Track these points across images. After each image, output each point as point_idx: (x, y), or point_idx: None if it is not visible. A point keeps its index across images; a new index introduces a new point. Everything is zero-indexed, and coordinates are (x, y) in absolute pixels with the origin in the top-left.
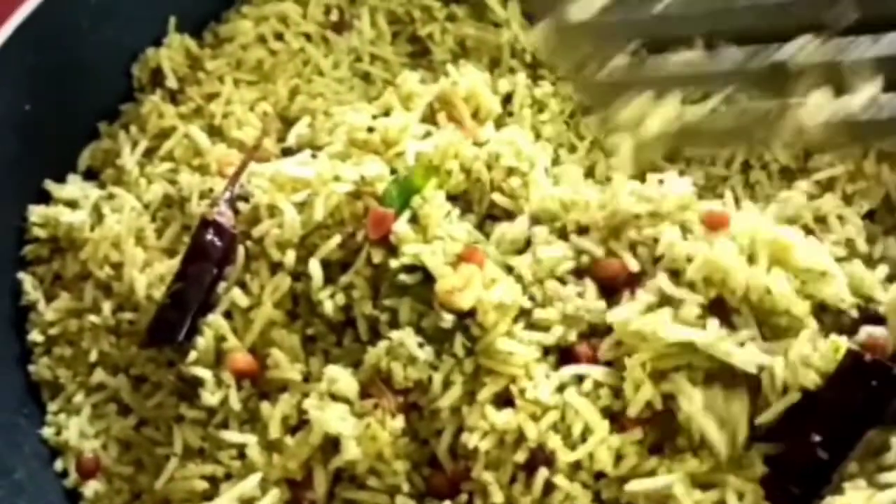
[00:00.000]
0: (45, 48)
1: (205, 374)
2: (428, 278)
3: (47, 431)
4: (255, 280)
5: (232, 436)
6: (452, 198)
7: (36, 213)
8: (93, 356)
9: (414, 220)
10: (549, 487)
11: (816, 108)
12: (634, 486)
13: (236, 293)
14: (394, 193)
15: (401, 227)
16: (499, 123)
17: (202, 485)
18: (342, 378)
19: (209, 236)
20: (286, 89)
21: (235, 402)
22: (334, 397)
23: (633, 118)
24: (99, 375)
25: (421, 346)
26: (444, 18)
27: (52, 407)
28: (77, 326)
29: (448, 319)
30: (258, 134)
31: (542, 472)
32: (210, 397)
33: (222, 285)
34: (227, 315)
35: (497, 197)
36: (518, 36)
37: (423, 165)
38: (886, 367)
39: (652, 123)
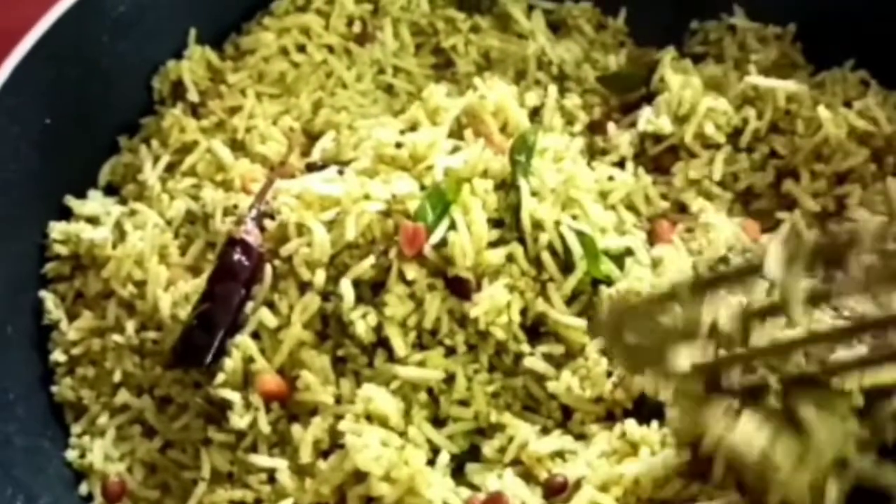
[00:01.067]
0: (65, 61)
1: (233, 396)
2: None
3: (71, 454)
4: (284, 300)
5: (262, 460)
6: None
7: (57, 229)
8: (117, 376)
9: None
10: None
11: None
12: None
13: (264, 313)
14: (427, 207)
15: (436, 239)
16: None
17: None
18: (378, 397)
19: (236, 256)
20: (309, 102)
21: (265, 425)
22: (370, 419)
23: None
24: (123, 396)
25: None
26: (468, 30)
27: (75, 429)
28: (100, 346)
29: None
30: (282, 149)
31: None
32: (238, 420)
33: (250, 305)
34: (255, 336)
35: None
36: (544, 48)
37: (454, 178)
38: None
39: None
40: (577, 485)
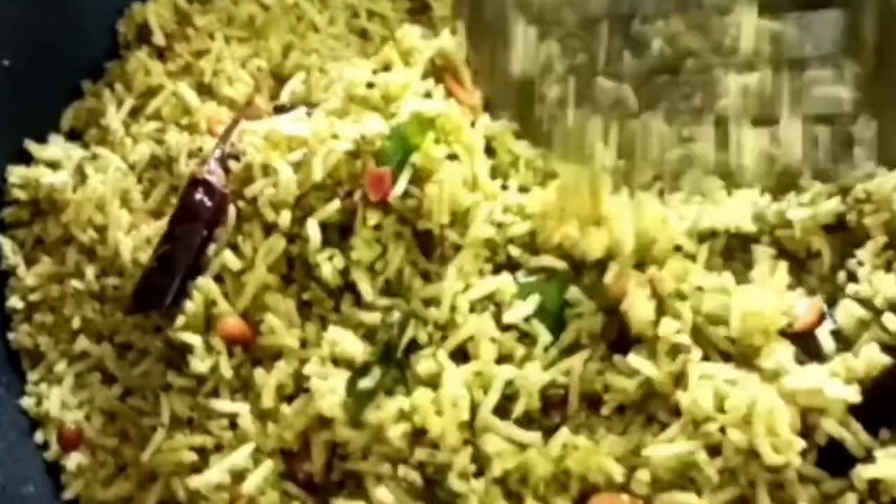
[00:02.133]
0: (28, 3)
1: (194, 339)
2: None
3: (27, 402)
4: (248, 242)
5: (223, 405)
6: None
7: (15, 173)
8: (76, 323)
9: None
10: None
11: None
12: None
13: (227, 255)
14: (389, 151)
15: (400, 191)
16: None
17: (191, 456)
18: (345, 340)
19: (199, 196)
20: (279, 46)
21: (226, 370)
22: (336, 362)
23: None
24: (82, 343)
25: None
26: None
27: (32, 376)
28: (59, 292)
29: None
30: (250, 91)
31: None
32: (199, 364)
33: (212, 247)
34: (218, 279)
35: None
36: None
37: (419, 120)
38: None
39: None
40: None
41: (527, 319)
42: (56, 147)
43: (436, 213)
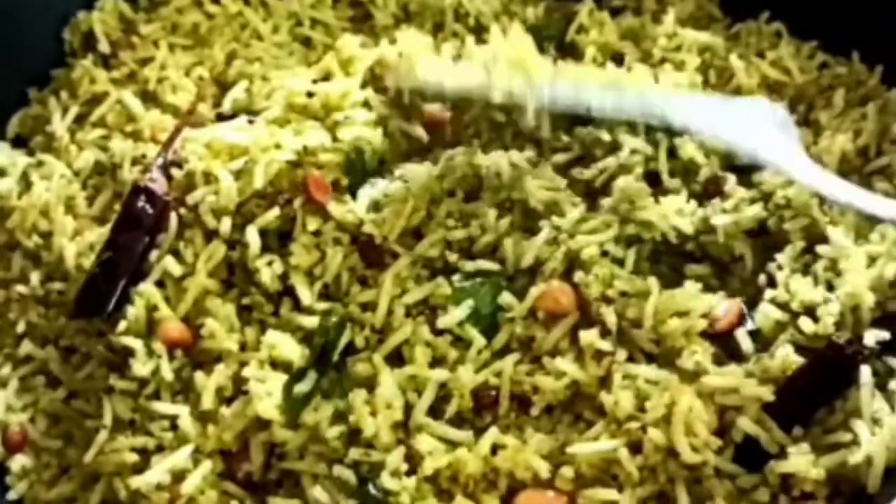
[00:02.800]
0: None
1: (135, 343)
2: None
3: None
4: (189, 248)
5: (164, 407)
6: None
7: None
8: (20, 327)
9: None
10: None
11: None
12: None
13: (169, 261)
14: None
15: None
16: None
17: (132, 457)
18: (283, 343)
19: (141, 203)
20: (223, 54)
21: (167, 373)
22: (275, 365)
23: None
24: (27, 347)
25: None
26: None
27: None
28: (4, 297)
29: None
30: (193, 99)
31: None
32: (141, 367)
33: (154, 254)
34: (160, 284)
35: None
36: (462, 0)
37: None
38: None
39: None
40: None
41: (460, 324)
42: (1, 154)
43: (389, 231)
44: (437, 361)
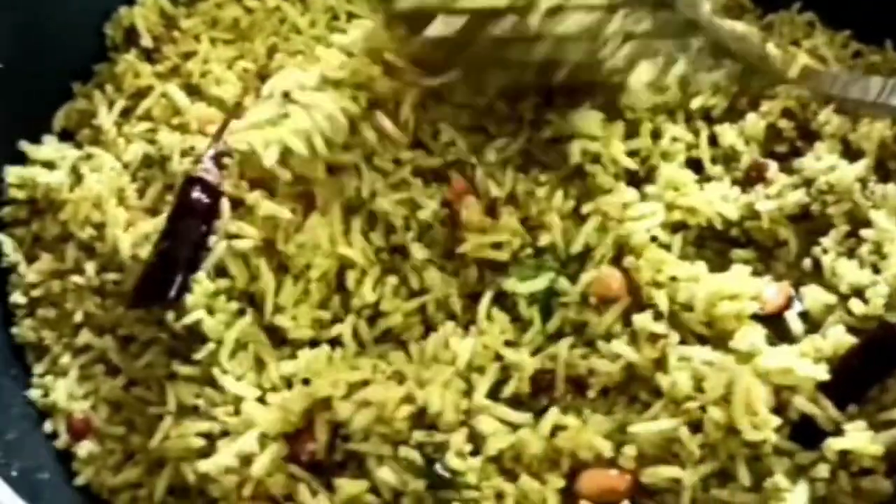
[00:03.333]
0: (19, 8)
1: (201, 315)
2: None
3: (34, 393)
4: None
5: (230, 385)
6: None
7: (12, 173)
8: (77, 317)
9: None
10: None
11: None
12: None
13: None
14: None
15: None
16: None
17: (198, 442)
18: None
19: (196, 193)
20: (264, 47)
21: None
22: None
23: None
24: (85, 336)
25: None
26: None
27: (37, 369)
28: (60, 287)
29: None
30: (237, 91)
31: None
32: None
33: (212, 239)
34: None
35: None
36: None
37: None
38: None
39: None
40: None
41: (527, 303)
42: (50, 147)
43: None
44: None
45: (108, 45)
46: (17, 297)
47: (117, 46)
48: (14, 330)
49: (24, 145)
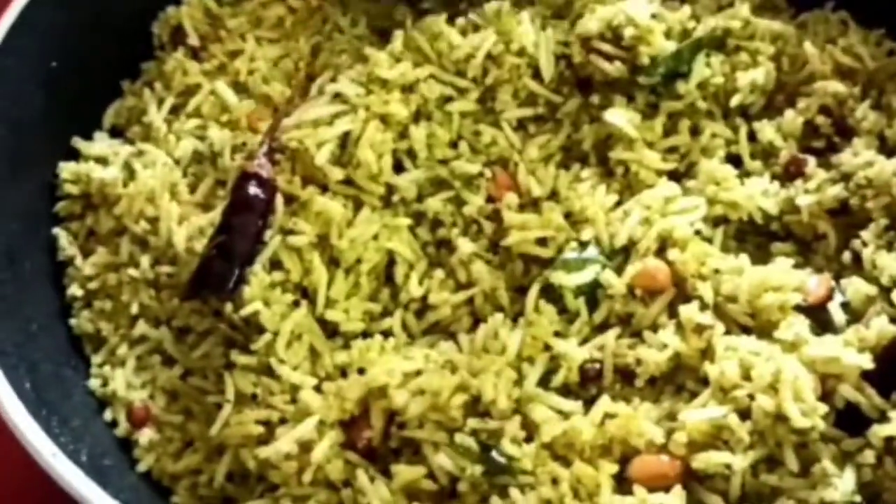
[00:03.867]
0: (70, 6)
1: (258, 307)
2: None
3: (93, 383)
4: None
5: (287, 374)
6: None
7: (67, 169)
8: (133, 309)
9: None
10: None
11: None
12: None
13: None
14: None
15: None
16: None
17: (258, 429)
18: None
19: (252, 189)
20: (309, 46)
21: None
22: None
23: None
24: (141, 328)
25: None
26: None
27: (96, 359)
28: (116, 280)
29: None
30: (285, 89)
31: None
32: (268, 321)
33: (268, 233)
34: (275, 265)
35: None
36: None
37: None
38: None
39: None
40: None
41: (574, 295)
42: (102, 144)
43: None
44: None
45: (154, 45)
46: (75, 290)
47: (164, 45)
48: (72, 321)
49: (78, 142)
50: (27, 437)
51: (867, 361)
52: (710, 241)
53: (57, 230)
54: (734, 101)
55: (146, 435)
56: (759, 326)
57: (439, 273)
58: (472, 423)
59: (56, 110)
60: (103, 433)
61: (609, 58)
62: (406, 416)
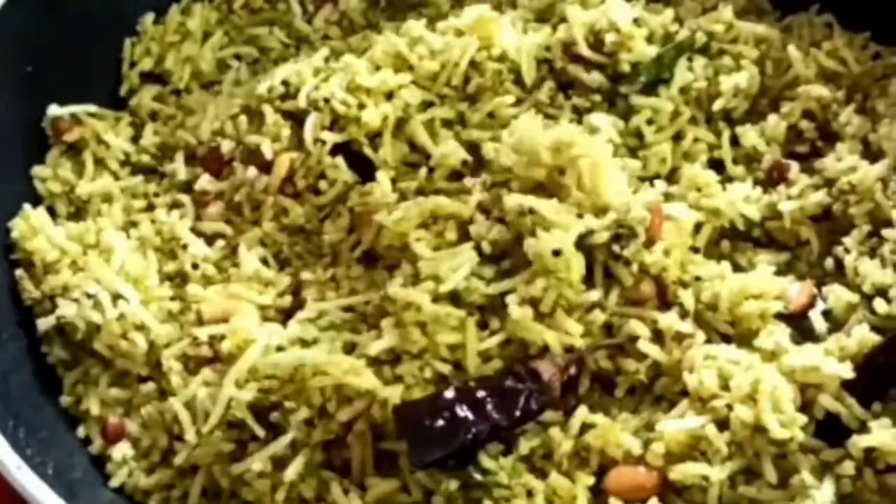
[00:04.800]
0: (46, 9)
1: None
2: None
3: (66, 400)
4: None
5: None
6: None
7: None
8: None
9: None
10: None
11: None
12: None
13: None
14: None
15: None
16: None
17: (229, 447)
18: None
19: None
20: None
21: None
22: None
23: None
24: None
25: None
26: None
27: (69, 379)
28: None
29: None
30: None
31: None
32: None
33: None
34: None
35: None
36: None
37: None
38: None
39: None
40: None
41: None
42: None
43: None
44: None
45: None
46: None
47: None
48: (43, 348)
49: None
50: None
51: (847, 371)
52: (693, 248)
53: (19, 272)
54: (717, 105)
55: (120, 450)
56: (740, 334)
57: None
58: None
59: (31, 116)
60: (74, 447)
61: (590, 65)
62: (385, 428)
